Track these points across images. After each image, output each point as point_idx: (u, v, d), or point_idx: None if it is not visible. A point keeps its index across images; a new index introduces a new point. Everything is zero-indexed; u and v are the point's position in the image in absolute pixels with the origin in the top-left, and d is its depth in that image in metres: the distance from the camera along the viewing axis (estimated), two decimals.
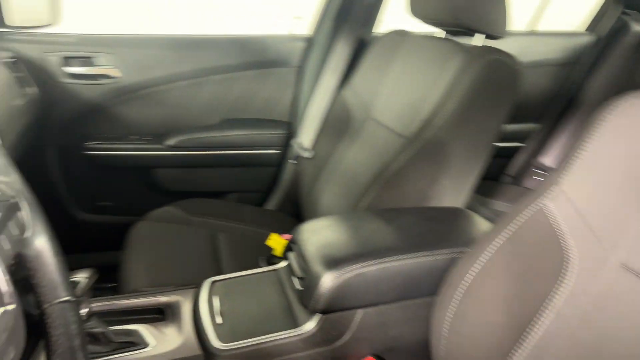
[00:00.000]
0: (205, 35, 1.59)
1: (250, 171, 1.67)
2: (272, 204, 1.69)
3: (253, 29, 1.73)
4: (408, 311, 0.82)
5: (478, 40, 1.10)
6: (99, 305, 0.82)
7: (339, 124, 1.39)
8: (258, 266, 0.99)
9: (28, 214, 0.44)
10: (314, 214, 1.35)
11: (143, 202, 1.50)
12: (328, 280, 0.74)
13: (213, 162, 1.63)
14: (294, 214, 1.56)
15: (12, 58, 1.29)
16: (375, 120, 1.25)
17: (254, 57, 1.60)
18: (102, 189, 1.63)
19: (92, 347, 0.73)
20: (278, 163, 1.66)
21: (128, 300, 0.86)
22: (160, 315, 0.88)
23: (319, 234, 0.85)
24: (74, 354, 0.42)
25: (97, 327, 0.73)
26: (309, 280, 0.77)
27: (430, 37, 1.22)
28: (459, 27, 1.11)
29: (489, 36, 1.08)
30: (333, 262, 0.76)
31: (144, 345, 0.78)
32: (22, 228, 0.43)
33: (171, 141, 1.57)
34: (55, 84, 1.43)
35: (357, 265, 0.75)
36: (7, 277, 0.34)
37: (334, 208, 1.28)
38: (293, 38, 1.62)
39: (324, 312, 0.77)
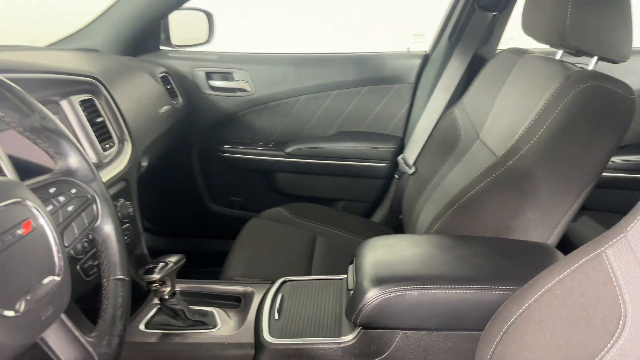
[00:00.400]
0: (326, 53, 1.72)
1: (358, 182, 1.75)
2: (377, 216, 1.74)
3: (374, 47, 1.80)
4: (451, 341, 0.81)
5: (592, 62, 0.99)
6: (185, 286, 0.98)
7: (445, 142, 1.37)
8: (345, 273, 1.05)
9: (100, 208, 0.59)
10: (412, 231, 1.36)
11: (263, 201, 1.69)
12: (370, 297, 0.78)
13: (325, 171, 1.74)
14: (397, 228, 1.58)
15: (163, 73, 1.57)
16: (481, 141, 1.22)
17: (371, 73, 1.67)
18: (232, 186, 1.87)
19: (170, 321, 0.89)
20: (386, 176, 1.70)
21: (211, 285, 1.01)
22: (237, 302, 1.01)
23: (377, 251, 0.89)
24: (114, 321, 0.55)
25: (177, 305, 0.88)
26: (355, 294, 0.81)
27: (542, 57, 1.14)
28: (568, 48, 1.02)
29: (603, 58, 0.98)
30: (378, 280, 0.79)
31: (213, 326, 0.91)
32: (94, 218, 0.58)
33: (290, 149, 1.73)
34: (199, 95, 1.70)
35: (399, 287, 0.77)
36: (61, 254, 0.47)
37: (429, 228, 1.28)
38: (409, 55, 1.65)
39: (364, 326, 0.81)
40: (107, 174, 1.01)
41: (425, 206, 1.33)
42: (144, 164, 1.30)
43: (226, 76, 1.70)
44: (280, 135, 1.77)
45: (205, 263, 1.61)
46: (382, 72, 1.66)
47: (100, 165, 1.02)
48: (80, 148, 0.59)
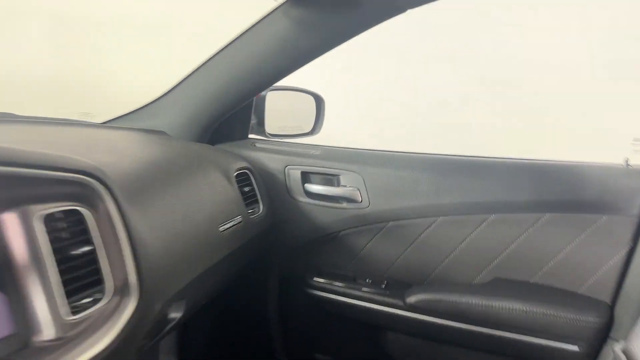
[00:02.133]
0: (485, 157, 1.13)
1: None
2: None
3: (562, 154, 1.17)
4: None
5: None
6: None
7: None
8: None
9: None
10: None
11: None
12: None
13: (469, 342, 1.08)
14: None
15: (242, 169, 1.10)
16: None
17: (559, 193, 1.04)
18: (321, 339, 1.27)
19: None
20: None
21: None
22: None
23: None
24: None
25: None
26: None
27: None
28: None
29: None
30: None
31: None
32: None
33: (413, 298, 1.10)
34: (290, 203, 1.20)
35: None
36: None
37: None
38: (630, 172, 1.00)
39: None
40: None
41: None
42: (175, 314, 0.79)
43: (330, 179, 1.19)
44: (401, 273, 1.16)
45: None
46: (579, 194, 1.01)
47: (60, 343, 0.52)
48: None
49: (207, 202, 0.90)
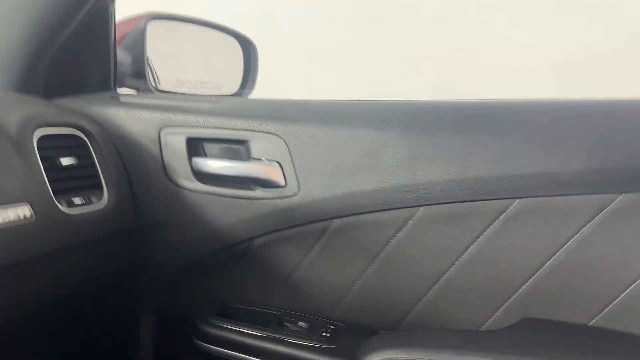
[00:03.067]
0: (492, 99, 0.65)
1: None
2: None
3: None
4: None
5: None
6: None
7: None
8: None
9: None
10: None
11: None
12: None
13: None
14: None
15: (59, 128, 0.62)
16: None
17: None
18: None
19: None
20: None
21: None
22: None
23: None
24: None
25: None
26: None
27: None
28: None
29: None
30: None
31: None
32: None
33: (377, 357, 0.60)
34: (168, 190, 0.70)
35: None
36: None
37: None
38: None
39: None
40: None
41: None
42: None
43: (235, 150, 0.70)
44: (357, 310, 0.68)
45: None
46: None
47: None
48: None
49: None
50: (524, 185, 0.58)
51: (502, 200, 0.59)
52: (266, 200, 0.67)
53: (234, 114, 0.69)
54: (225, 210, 0.69)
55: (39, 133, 0.58)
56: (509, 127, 0.60)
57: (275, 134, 0.66)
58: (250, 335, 0.69)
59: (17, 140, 0.55)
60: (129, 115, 0.72)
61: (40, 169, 0.56)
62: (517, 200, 0.58)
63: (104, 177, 0.65)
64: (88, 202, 0.62)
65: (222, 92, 0.96)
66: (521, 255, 0.60)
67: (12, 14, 0.67)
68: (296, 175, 0.65)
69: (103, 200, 0.64)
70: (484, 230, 0.60)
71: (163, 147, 0.70)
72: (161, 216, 0.71)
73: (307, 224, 0.67)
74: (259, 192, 0.68)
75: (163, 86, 0.86)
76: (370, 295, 0.67)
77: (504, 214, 0.59)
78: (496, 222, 0.59)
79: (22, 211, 0.51)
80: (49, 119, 0.61)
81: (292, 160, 0.66)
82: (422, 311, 0.66)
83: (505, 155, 0.58)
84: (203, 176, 0.70)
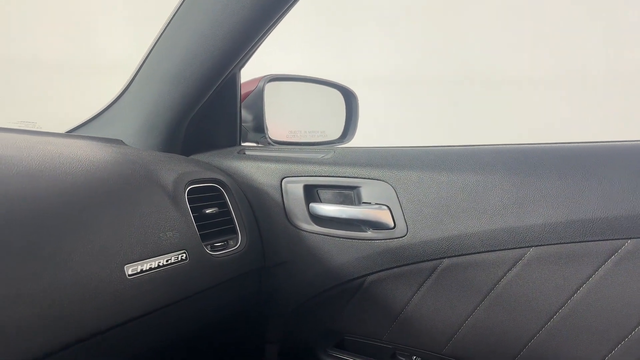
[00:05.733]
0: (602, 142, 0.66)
1: None
2: None
3: None
4: None
5: None
6: None
7: None
8: None
9: None
10: None
11: None
12: None
13: None
14: None
15: (203, 182, 0.74)
16: None
17: None
18: None
19: None
20: None
21: None
22: None
23: None
24: None
25: None
26: None
27: None
28: None
29: None
30: None
31: None
32: None
33: None
34: (292, 235, 0.79)
35: None
36: None
37: None
38: None
39: None
40: None
41: None
42: None
43: (346, 195, 0.78)
44: (471, 346, 0.70)
45: None
46: None
47: None
48: None
49: (111, 230, 0.54)
50: (634, 225, 0.58)
51: (613, 241, 0.59)
52: (377, 241, 0.73)
53: (345, 163, 0.77)
54: (340, 250, 0.76)
55: (187, 187, 0.70)
56: (613, 169, 0.61)
57: (383, 180, 0.73)
58: None
59: (173, 195, 0.67)
60: (254, 167, 0.83)
61: (192, 219, 0.67)
62: (629, 241, 0.58)
63: (237, 222, 0.76)
64: (226, 245, 0.73)
65: (327, 139, 1.05)
66: (636, 294, 0.59)
67: (163, 87, 0.82)
68: (404, 217, 0.71)
69: (238, 243, 0.74)
70: (596, 270, 0.61)
71: (284, 194, 0.80)
72: (284, 256, 0.80)
73: (416, 263, 0.72)
74: (370, 234, 0.74)
75: (278, 137, 0.97)
76: (481, 332, 0.70)
77: (616, 253, 0.59)
78: (608, 261, 0.60)
79: (180, 256, 0.62)
80: (195, 175, 0.73)
81: (400, 204, 0.71)
82: (534, 349, 0.67)
83: (612, 197, 0.59)
84: (319, 219, 0.78)
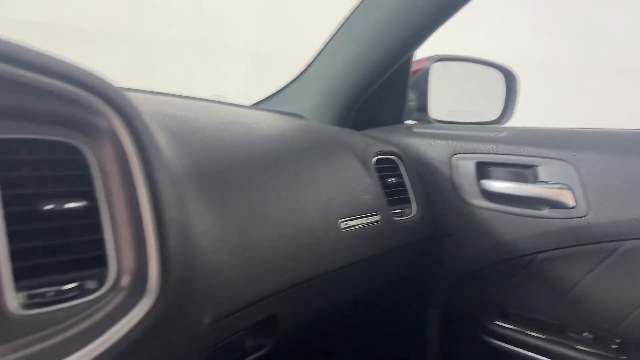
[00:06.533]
0: None
1: None
2: None
3: None
4: None
5: None
6: None
7: None
8: None
9: None
10: None
11: None
12: None
13: None
14: None
15: (387, 154, 0.80)
16: None
17: None
18: None
19: None
20: None
21: None
22: None
23: None
24: None
25: None
26: None
27: None
28: None
29: None
30: None
31: None
32: None
33: None
34: (460, 208, 0.83)
35: None
36: None
37: None
38: None
39: None
40: None
41: None
42: (255, 340, 0.54)
43: (521, 174, 0.80)
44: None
45: None
46: None
47: None
48: None
49: (323, 188, 0.62)
50: None
51: None
52: (554, 220, 0.75)
53: (523, 142, 0.79)
54: (511, 226, 0.79)
55: (375, 157, 0.77)
56: None
57: (564, 160, 0.74)
58: (535, 336, 0.77)
59: (365, 163, 0.74)
60: (424, 144, 0.87)
61: (381, 186, 0.74)
62: None
63: (413, 192, 0.82)
64: (403, 213, 0.79)
65: (484, 119, 1.07)
66: None
67: (346, 68, 0.90)
68: (587, 198, 0.72)
69: (413, 212, 0.80)
70: None
71: (453, 170, 0.84)
72: (451, 227, 0.84)
73: (595, 243, 0.72)
74: (546, 212, 0.76)
75: (438, 116, 1.00)
76: None
77: None
78: None
79: (376, 217, 0.69)
80: (380, 147, 0.80)
81: (582, 184, 0.72)
82: None
83: None
84: (490, 195, 0.81)
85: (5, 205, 0.33)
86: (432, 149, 0.87)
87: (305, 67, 0.96)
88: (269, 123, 0.70)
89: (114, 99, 0.38)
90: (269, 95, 1.02)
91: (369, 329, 0.96)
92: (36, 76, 0.34)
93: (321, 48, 0.92)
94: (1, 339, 0.31)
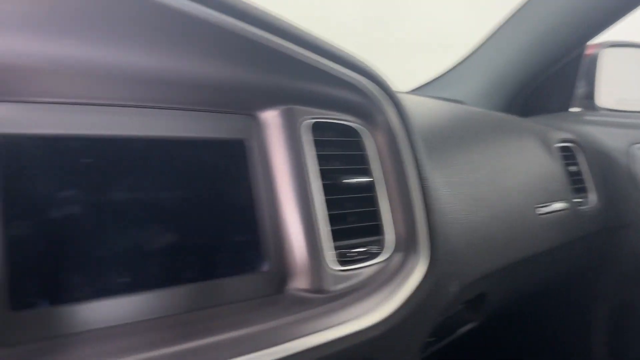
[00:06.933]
0: None
1: None
2: None
3: None
4: None
5: None
6: None
7: None
8: None
9: None
10: None
11: None
12: None
13: None
14: None
15: (567, 142, 0.80)
16: None
17: None
18: None
19: None
20: None
21: None
22: None
23: None
24: None
25: None
26: None
27: None
28: None
29: None
30: None
31: None
32: None
33: None
34: (638, 198, 0.81)
35: None
36: None
37: None
38: None
39: None
40: None
41: None
42: (470, 314, 0.58)
43: None
44: None
45: None
46: None
47: (320, 298, 0.37)
48: None
49: (520, 173, 0.64)
50: None
51: None
52: None
53: None
54: None
55: (558, 144, 0.77)
56: None
57: None
58: None
59: (549, 149, 0.74)
60: (600, 132, 0.86)
61: (566, 174, 0.74)
62: None
63: (590, 182, 0.81)
64: (587, 201, 0.78)
65: None
66: None
67: (518, 54, 0.90)
68: None
69: (593, 202, 0.79)
70: None
71: (631, 161, 0.82)
72: (630, 219, 0.82)
73: None
74: None
75: (606, 104, 0.97)
76: None
77: None
78: None
79: (564, 205, 0.70)
80: (560, 135, 0.80)
81: None
82: None
83: None
84: None
85: (323, 178, 0.40)
86: (610, 138, 0.85)
87: (465, 56, 0.97)
88: (460, 110, 0.73)
89: (392, 94, 0.44)
90: (424, 83, 1.05)
91: (540, 318, 0.96)
92: (341, 69, 0.40)
93: (487, 37, 0.93)
94: (320, 290, 0.38)
